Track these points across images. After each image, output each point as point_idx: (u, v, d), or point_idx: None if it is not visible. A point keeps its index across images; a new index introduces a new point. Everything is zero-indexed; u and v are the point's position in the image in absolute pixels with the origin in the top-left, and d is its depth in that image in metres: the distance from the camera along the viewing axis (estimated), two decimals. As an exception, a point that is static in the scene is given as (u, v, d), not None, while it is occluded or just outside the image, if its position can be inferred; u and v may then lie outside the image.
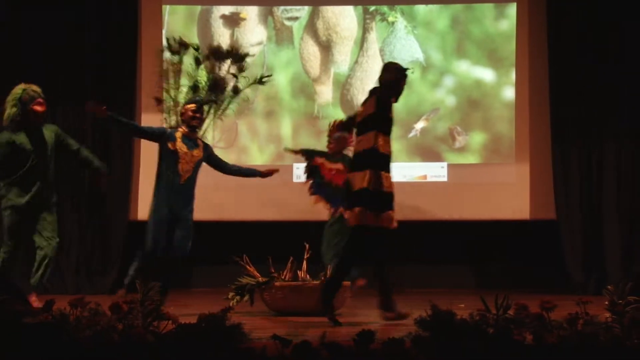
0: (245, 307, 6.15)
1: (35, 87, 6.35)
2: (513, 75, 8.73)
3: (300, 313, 5.99)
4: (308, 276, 6.27)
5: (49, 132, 6.41)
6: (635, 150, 8.45)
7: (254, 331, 3.83)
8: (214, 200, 7.64)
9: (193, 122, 6.41)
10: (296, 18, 8.95)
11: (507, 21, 8.79)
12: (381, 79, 5.66)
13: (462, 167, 8.71)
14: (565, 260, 8.41)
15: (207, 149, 6.56)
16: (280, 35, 8.92)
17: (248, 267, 6.40)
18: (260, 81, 7.24)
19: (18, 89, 6.31)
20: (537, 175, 8.69)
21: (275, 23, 8.94)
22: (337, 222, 7.51)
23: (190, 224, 6.39)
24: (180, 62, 7.03)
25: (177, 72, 7.03)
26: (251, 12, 8.93)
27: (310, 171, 7.75)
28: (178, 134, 6.40)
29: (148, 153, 8.06)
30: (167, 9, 8.87)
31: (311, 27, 8.91)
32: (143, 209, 7.69)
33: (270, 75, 7.49)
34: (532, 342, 3.59)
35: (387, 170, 5.55)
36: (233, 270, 6.54)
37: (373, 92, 5.66)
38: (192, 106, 6.44)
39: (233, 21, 8.91)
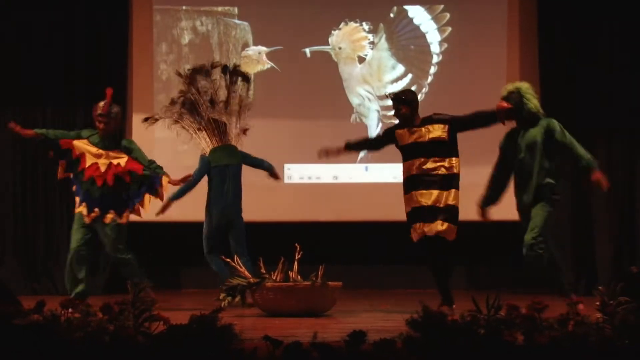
0: (236, 309, 6.15)
1: None
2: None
3: (291, 314, 5.99)
4: (299, 277, 6.26)
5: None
6: (626, 149, 8.50)
7: (245, 332, 3.83)
8: (202, 201, 7.59)
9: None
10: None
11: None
12: None
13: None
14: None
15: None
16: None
17: (239, 267, 6.40)
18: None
19: None
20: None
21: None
22: None
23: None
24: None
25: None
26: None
27: None
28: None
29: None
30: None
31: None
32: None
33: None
34: (523, 342, 3.60)
35: None
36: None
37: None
38: None
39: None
